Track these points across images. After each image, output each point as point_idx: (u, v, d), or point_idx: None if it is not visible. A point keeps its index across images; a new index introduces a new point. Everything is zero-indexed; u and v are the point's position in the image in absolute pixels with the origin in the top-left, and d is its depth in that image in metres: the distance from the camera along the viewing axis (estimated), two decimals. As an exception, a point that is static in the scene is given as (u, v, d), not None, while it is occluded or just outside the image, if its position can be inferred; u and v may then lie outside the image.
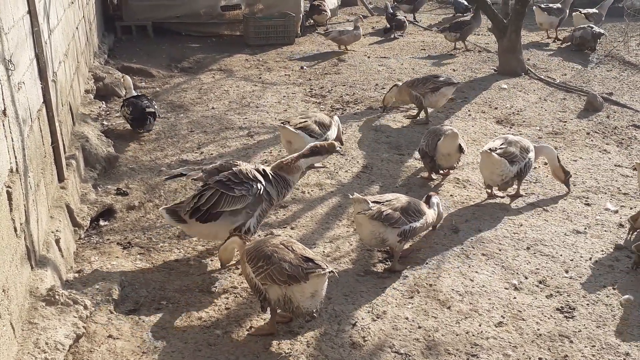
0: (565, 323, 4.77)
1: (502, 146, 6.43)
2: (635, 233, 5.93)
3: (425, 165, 7.12)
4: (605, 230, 6.11)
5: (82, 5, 9.83)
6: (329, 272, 4.25)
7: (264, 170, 5.42)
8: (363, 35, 13.64)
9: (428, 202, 5.71)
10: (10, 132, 4.23)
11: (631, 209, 6.43)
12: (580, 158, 7.86)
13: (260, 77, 11.27)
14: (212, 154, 7.85)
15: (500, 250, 5.74)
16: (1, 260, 3.67)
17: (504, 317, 4.81)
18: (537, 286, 5.22)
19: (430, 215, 5.60)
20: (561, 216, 6.39)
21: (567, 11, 13.99)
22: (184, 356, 4.32)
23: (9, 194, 4.00)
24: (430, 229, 5.94)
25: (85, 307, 4.45)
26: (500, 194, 6.78)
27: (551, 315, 4.85)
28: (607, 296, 5.10)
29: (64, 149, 6.30)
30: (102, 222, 6.18)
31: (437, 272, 5.39)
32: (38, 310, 4.20)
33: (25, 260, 4.29)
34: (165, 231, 6.01)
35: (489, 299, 5.03)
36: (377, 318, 4.77)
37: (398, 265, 5.41)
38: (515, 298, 5.05)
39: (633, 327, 4.72)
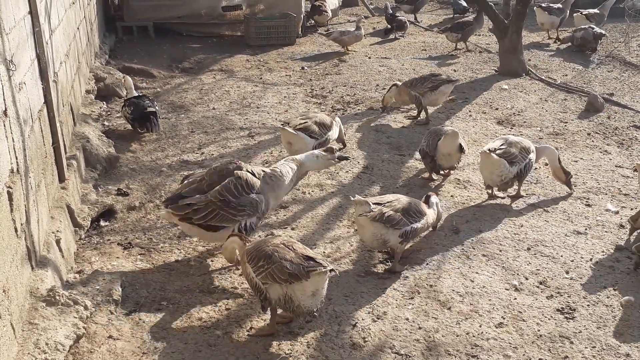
0: (566, 324, 4.76)
1: (502, 147, 6.44)
2: (636, 234, 5.93)
3: (425, 166, 7.13)
4: (605, 231, 6.11)
5: (83, 5, 9.84)
6: (330, 270, 4.25)
7: (261, 172, 5.40)
8: (364, 35, 13.63)
9: (427, 202, 5.71)
10: (11, 133, 4.24)
11: (632, 209, 6.43)
12: (581, 159, 7.85)
13: (261, 78, 11.27)
14: (212, 154, 7.85)
15: (500, 251, 5.74)
16: (2, 261, 3.67)
17: (504, 318, 4.81)
18: (538, 287, 5.22)
19: (430, 215, 5.61)
20: (562, 217, 6.39)
21: (568, 11, 13.99)
22: (184, 357, 4.32)
23: (9, 194, 4.00)
24: (431, 229, 5.94)
25: (86, 308, 4.45)
26: (500, 194, 6.78)
27: (552, 316, 4.85)
28: (608, 297, 5.09)
29: (65, 149, 6.30)
30: (102, 223, 6.19)
31: (437, 273, 5.39)
32: (38, 310, 4.20)
33: (26, 261, 4.30)
34: (165, 232, 6.01)
35: (490, 299, 5.03)
36: (378, 319, 4.77)
37: (398, 266, 5.41)
38: (515, 299, 5.05)
39: (633, 328, 4.71)
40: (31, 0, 5.35)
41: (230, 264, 5.44)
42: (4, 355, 3.51)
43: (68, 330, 4.17)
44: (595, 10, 14.03)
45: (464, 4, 16.58)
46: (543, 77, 11.20)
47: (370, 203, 5.22)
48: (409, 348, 4.47)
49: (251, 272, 4.41)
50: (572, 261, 5.59)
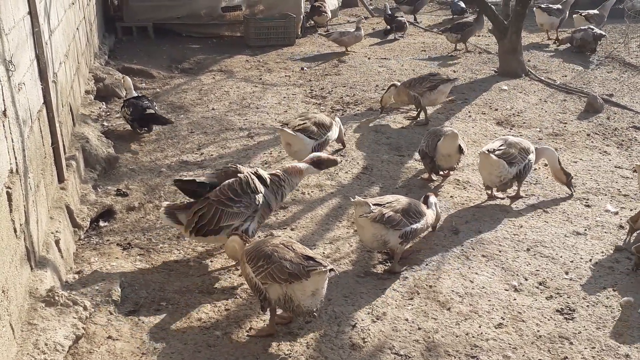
0: (565, 324, 4.76)
1: (501, 147, 6.43)
2: (635, 234, 5.93)
3: (425, 166, 7.13)
4: (605, 232, 6.11)
5: (83, 6, 9.83)
6: (330, 270, 4.25)
7: (262, 175, 5.39)
8: (363, 36, 13.62)
9: (426, 202, 5.71)
10: (11, 133, 4.23)
11: (631, 210, 6.43)
12: (581, 159, 7.85)
13: (260, 78, 11.27)
14: (212, 155, 7.85)
15: (500, 251, 5.74)
16: (1, 261, 3.67)
17: (503, 319, 4.81)
18: (537, 287, 5.22)
19: (429, 215, 5.61)
20: (561, 218, 6.39)
21: (567, 12, 13.99)
22: (183, 357, 4.32)
23: (8, 195, 4.00)
24: (430, 230, 5.94)
25: (85, 308, 4.45)
26: (500, 195, 6.78)
27: (551, 317, 4.85)
28: (607, 298, 5.09)
29: (64, 149, 6.30)
30: (102, 223, 6.18)
31: (437, 274, 5.39)
32: (37, 311, 4.20)
33: (25, 261, 4.29)
34: (165, 232, 6.01)
35: (489, 300, 5.03)
36: (377, 319, 4.77)
37: (398, 266, 5.41)
38: (515, 299, 5.05)
39: (633, 329, 4.71)
40: (30, 1, 5.34)
41: (230, 265, 5.44)
42: (3, 355, 3.51)
43: (67, 330, 4.17)
44: (595, 11, 14.03)
45: (462, 5, 16.59)
46: (542, 78, 11.20)
47: (370, 204, 5.22)
48: (409, 349, 4.47)
49: (250, 272, 4.41)
50: (571, 262, 5.59)
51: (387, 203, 5.33)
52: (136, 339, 4.47)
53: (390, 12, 15.01)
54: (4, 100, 4.15)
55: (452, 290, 5.15)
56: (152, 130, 8.50)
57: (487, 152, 6.32)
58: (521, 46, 11.46)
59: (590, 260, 5.63)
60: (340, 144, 8.05)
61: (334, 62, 12.40)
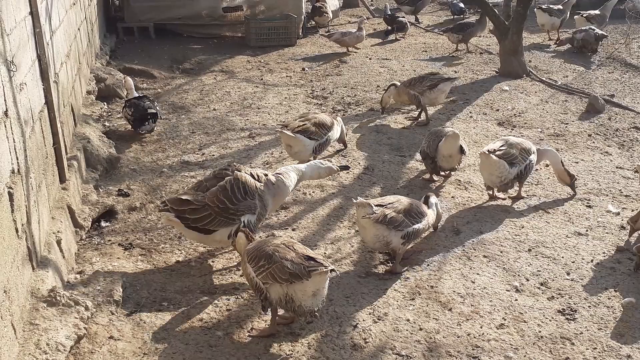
0: (567, 325, 4.76)
1: (502, 148, 6.43)
2: (636, 235, 5.92)
3: (426, 167, 7.13)
4: (606, 233, 6.11)
5: (84, 6, 9.84)
6: (331, 270, 4.25)
7: (260, 175, 5.39)
8: (365, 37, 13.62)
9: (426, 202, 5.71)
10: (12, 133, 4.24)
11: (632, 211, 6.42)
12: (582, 160, 7.85)
13: (261, 79, 11.27)
14: (213, 155, 7.85)
15: (501, 252, 5.74)
16: (2, 261, 3.67)
17: (505, 319, 4.80)
18: (539, 288, 5.22)
19: (430, 215, 5.61)
20: (563, 218, 6.39)
21: (568, 12, 13.98)
22: (185, 357, 4.32)
23: (10, 195, 4.00)
24: (431, 230, 5.94)
25: (87, 308, 4.45)
26: (501, 195, 6.77)
27: (552, 317, 4.84)
28: (609, 298, 5.09)
29: (66, 150, 6.30)
30: (103, 223, 6.18)
31: (438, 274, 5.38)
32: (39, 311, 4.20)
33: (27, 261, 4.30)
34: (166, 232, 6.01)
35: (490, 300, 5.03)
36: (378, 320, 4.77)
37: (399, 267, 5.41)
38: (516, 300, 5.05)
39: (634, 330, 4.71)
40: (32, 1, 5.35)
41: (231, 265, 5.44)
42: (5, 355, 3.51)
43: (69, 330, 4.17)
44: (596, 12, 14.02)
45: (462, 5, 16.60)
46: (544, 79, 11.20)
47: (372, 205, 5.22)
48: (410, 349, 4.47)
49: (252, 272, 4.41)
50: (573, 262, 5.59)
51: (389, 204, 5.33)
52: (138, 339, 4.47)
53: (390, 13, 15.01)
54: (5, 100, 4.15)
55: (454, 291, 5.15)
56: (153, 130, 8.50)
57: (487, 152, 6.32)
58: (522, 47, 11.46)
59: (592, 260, 5.62)
60: (341, 144, 8.05)
61: (335, 62, 12.40)
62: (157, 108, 8.56)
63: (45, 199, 5.11)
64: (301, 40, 14.30)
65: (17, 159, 4.30)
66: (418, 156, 7.54)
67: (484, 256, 5.66)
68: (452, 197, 6.81)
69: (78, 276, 5.15)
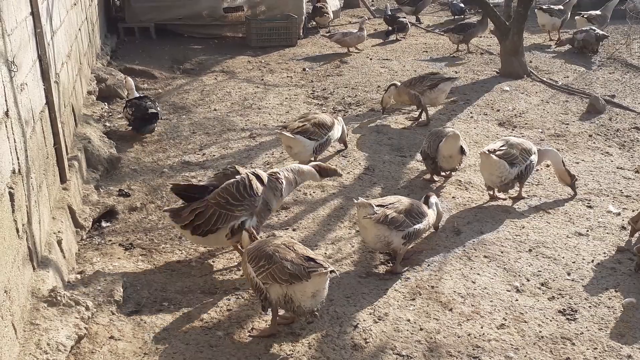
0: (567, 325, 4.76)
1: (502, 148, 6.43)
2: (637, 235, 5.92)
3: (427, 167, 7.13)
4: (607, 233, 6.10)
5: (85, 6, 9.85)
6: (331, 271, 4.26)
7: (260, 175, 5.39)
8: (366, 37, 13.63)
9: (427, 202, 5.71)
10: (13, 134, 4.24)
11: (633, 211, 6.42)
12: (583, 160, 7.85)
13: (262, 79, 11.28)
14: (214, 155, 7.85)
15: (502, 252, 5.74)
16: (3, 261, 3.67)
17: (505, 319, 4.80)
18: (539, 288, 5.22)
19: (431, 215, 5.61)
20: (563, 218, 6.39)
21: (569, 13, 13.96)
22: (185, 357, 4.32)
23: (11, 195, 4.01)
24: (432, 229, 5.95)
25: (87, 308, 4.45)
26: (502, 196, 6.77)
27: (553, 318, 4.84)
28: (609, 298, 5.09)
29: (67, 150, 6.31)
30: (104, 224, 6.19)
31: (438, 274, 5.38)
32: (40, 311, 4.20)
33: (27, 261, 4.30)
34: (167, 232, 6.01)
35: (491, 301, 5.03)
36: (379, 320, 4.77)
37: (400, 267, 5.41)
38: (517, 300, 5.05)
39: (635, 330, 4.71)
40: (33, 2, 5.35)
41: (232, 265, 5.45)
42: (5, 355, 3.51)
43: (69, 330, 4.17)
44: (597, 12, 14.01)
45: (462, 5, 16.60)
46: (544, 79, 11.19)
47: (374, 205, 5.22)
48: (411, 349, 4.47)
49: (252, 272, 4.41)
50: (573, 263, 5.59)
51: (390, 204, 5.33)
52: (138, 339, 4.47)
53: (390, 13, 15.01)
54: (6, 100, 4.15)
55: (454, 291, 5.15)
56: (154, 131, 8.50)
57: (487, 152, 6.32)
58: (523, 47, 11.46)
59: (592, 261, 5.62)
60: (342, 145, 8.05)
61: (335, 62, 12.41)
62: (158, 108, 8.56)
63: (45, 199, 5.11)
64: (302, 41, 14.30)
65: (18, 159, 4.30)
66: (419, 156, 7.54)
67: (485, 256, 5.66)
68: (453, 197, 6.81)
69: (79, 276, 5.15)
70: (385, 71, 11.72)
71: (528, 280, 5.32)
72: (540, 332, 4.67)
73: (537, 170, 7.27)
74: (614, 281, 5.32)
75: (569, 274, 5.41)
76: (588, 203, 6.71)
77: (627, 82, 11.19)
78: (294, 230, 6.12)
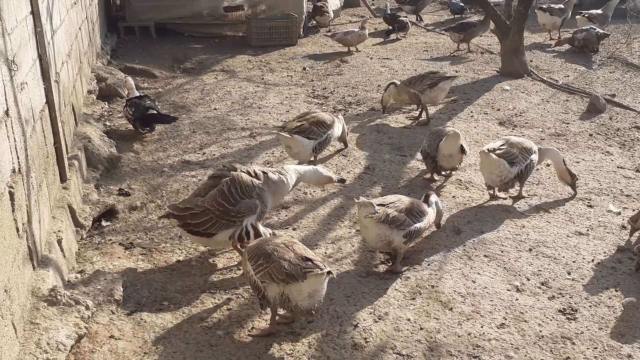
0: (568, 325, 4.76)
1: (502, 147, 6.43)
2: (637, 234, 5.92)
3: (427, 167, 7.12)
4: (607, 232, 6.10)
5: (85, 5, 9.84)
6: (327, 272, 4.26)
7: (258, 172, 5.38)
8: (367, 36, 13.62)
9: (427, 201, 5.71)
10: (13, 133, 4.24)
11: (633, 210, 6.41)
12: (583, 160, 7.85)
13: (262, 78, 11.27)
14: (214, 154, 7.85)
15: (502, 251, 5.74)
16: (3, 261, 3.67)
17: (506, 319, 4.80)
18: (540, 288, 5.21)
19: (431, 214, 5.61)
20: (563, 218, 6.38)
21: (570, 12, 13.95)
22: (185, 357, 4.32)
23: (11, 194, 4.00)
24: (434, 227, 5.95)
25: (87, 308, 4.45)
26: (502, 195, 6.77)
27: (553, 317, 4.84)
28: (610, 298, 5.09)
29: (67, 149, 6.30)
30: (104, 223, 6.19)
31: (439, 274, 5.38)
32: (40, 310, 4.20)
33: (27, 261, 4.30)
34: (167, 232, 6.01)
35: (491, 300, 5.03)
36: (379, 319, 4.77)
37: (400, 266, 5.41)
38: (517, 300, 5.04)
39: (635, 329, 4.71)
40: (33, 1, 5.35)
41: (232, 265, 5.45)
42: (5, 354, 3.51)
43: (69, 330, 4.17)
44: (598, 11, 14.00)
45: (461, 4, 16.60)
46: (545, 78, 11.19)
47: (374, 204, 5.22)
48: (411, 348, 4.47)
49: (251, 270, 4.42)
50: (573, 262, 5.59)
51: (391, 203, 5.33)
52: (138, 339, 4.47)
53: (390, 12, 15.01)
54: (6, 100, 4.15)
55: (454, 290, 5.14)
56: (155, 129, 8.51)
57: (487, 151, 6.32)
58: (523, 46, 11.45)
59: (593, 260, 5.62)
60: (342, 144, 8.04)
61: (336, 62, 12.40)
62: (158, 108, 8.56)
63: (46, 199, 5.11)
64: (302, 40, 14.30)
65: (18, 158, 4.30)
66: (419, 156, 7.54)
67: (485, 256, 5.66)
68: (453, 196, 6.81)
69: (79, 275, 5.15)
70: (386, 70, 11.72)
71: (528, 280, 5.32)
72: (540, 331, 4.67)
73: (538, 169, 7.26)
74: (614, 280, 5.32)
75: (569, 274, 5.41)
76: (588, 202, 6.71)
77: (627, 82, 11.18)
78: (294, 229, 6.12)
